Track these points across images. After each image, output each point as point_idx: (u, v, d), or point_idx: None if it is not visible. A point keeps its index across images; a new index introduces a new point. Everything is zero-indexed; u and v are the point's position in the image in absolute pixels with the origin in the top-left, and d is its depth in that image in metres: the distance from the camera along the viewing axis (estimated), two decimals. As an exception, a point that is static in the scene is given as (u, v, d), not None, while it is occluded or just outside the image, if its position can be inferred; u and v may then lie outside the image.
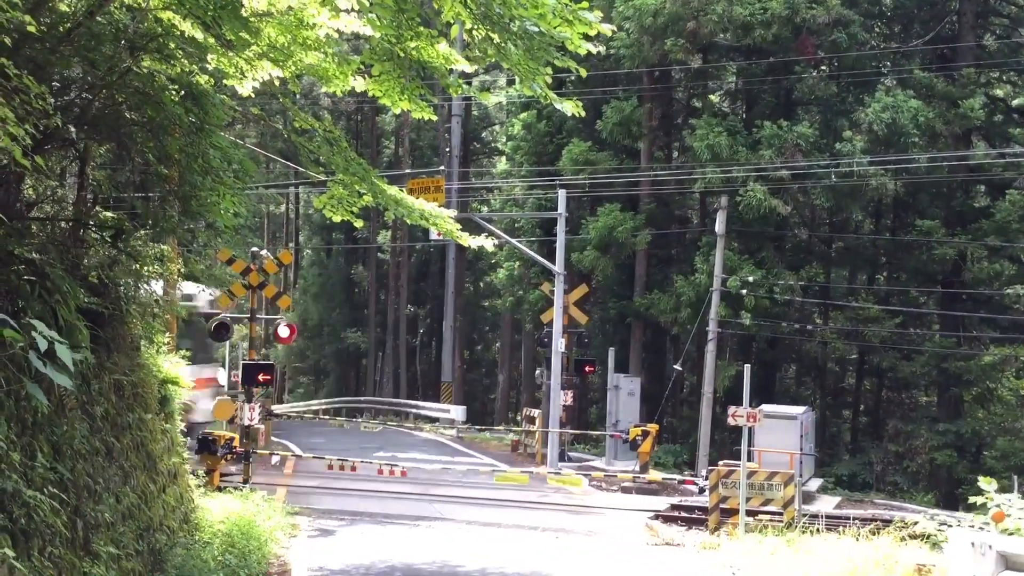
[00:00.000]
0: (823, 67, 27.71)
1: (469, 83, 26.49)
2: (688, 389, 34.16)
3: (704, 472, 19.81)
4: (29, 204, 8.35)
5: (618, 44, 27.28)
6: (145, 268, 9.64)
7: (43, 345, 4.70)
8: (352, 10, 8.51)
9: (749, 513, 14.76)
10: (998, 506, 10.18)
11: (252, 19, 8.66)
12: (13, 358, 5.91)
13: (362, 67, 10.15)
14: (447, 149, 38.04)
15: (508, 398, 42.77)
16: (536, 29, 7.90)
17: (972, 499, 10.94)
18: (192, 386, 13.79)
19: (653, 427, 21.69)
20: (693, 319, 25.87)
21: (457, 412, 32.88)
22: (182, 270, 12.50)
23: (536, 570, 12.10)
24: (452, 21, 8.21)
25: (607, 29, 7.92)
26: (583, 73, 8.70)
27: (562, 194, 24.31)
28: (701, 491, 18.21)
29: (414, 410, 37.00)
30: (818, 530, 13.77)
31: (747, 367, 14.99)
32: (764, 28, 25.39)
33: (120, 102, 8.46)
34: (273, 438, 26.69)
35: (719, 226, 25.00)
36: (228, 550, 10.58)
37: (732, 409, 14.59)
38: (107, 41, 7.98)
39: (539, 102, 10.76)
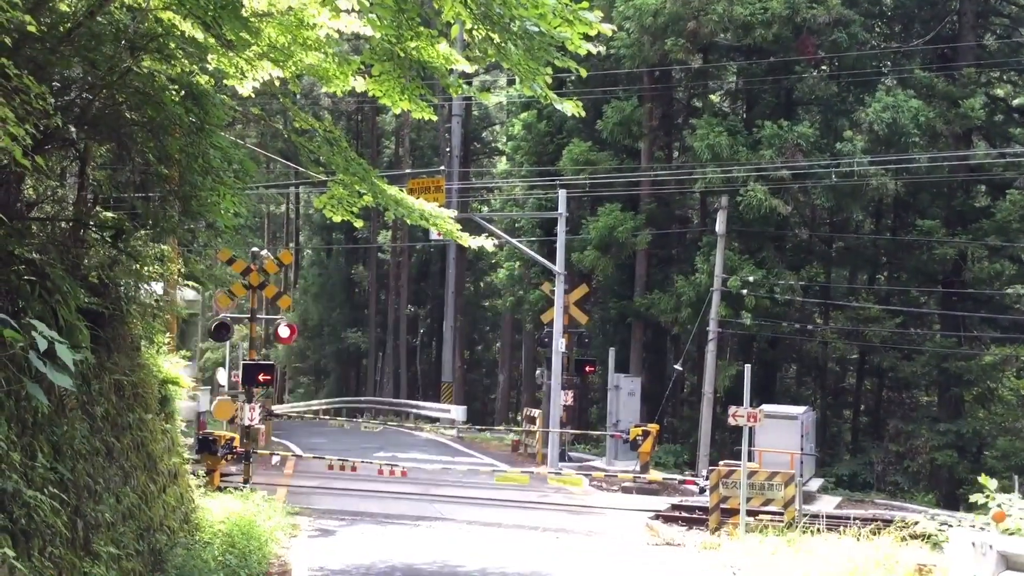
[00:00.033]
0: (823, 67, 27.71)
1: (469, 83, 26.47)
2: (688, 389, 34.15)
3: (705, 472, 19.81)
4: (29, 204, 8.35)
5: (618, 44, 27.27)
6: (145, 268, 9.65)
7: (43, 345, 4.70)
8: (352, 10, 8.50)
9: (750, 513, 14.75)
10: (999, 506, 10.18)
11: (252, 19, 8.66)
12: (13, 358, 5.91)
13: (362, 67, 10.14)
14: (447, 149, 38.03)
15: (508, 398, 42.77)
16: (536, 29, 7.89)
17: (973, 498, 10.94)
18: None
19: (653, 427, 21.69)
20: (693, 319, 25.87)
21: (457, 412, 32.88)
22: (182, 270, 12.51)
23: (536, 570, 12.10)
24: (452, 21, 8.20)
25: (607, 29, 7.91)
26: (583, 73, 8.69)
27: (562, 194, 24.31)
28: (702, 491, 18.21)
29: (414, 410, 37.00)
30: (819, 530, 13.76)
31: (747, 367, 14.99)
32: (764, 28, 25.38)
33: (120, 102, 8.46)
34: (273, 438, 26.70)
35: (719, 226, 24.99)
36: (228, 550, 10.58)
37: (733, 409, 14.59)
38: (107, 41, 7.98)
39: (539, 102, 10.75)
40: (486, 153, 51.90)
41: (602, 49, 9.20)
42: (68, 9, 7.99)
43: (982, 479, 10.59)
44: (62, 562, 6.30)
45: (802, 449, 19.47)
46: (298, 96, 32.47)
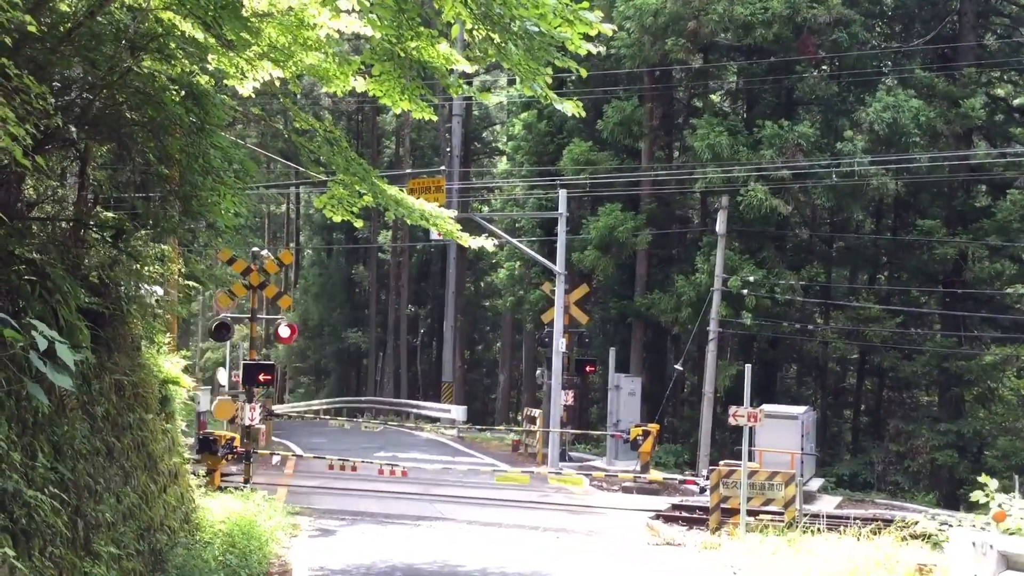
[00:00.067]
0: (824, 67, 27.71)
1: (470, 83, 26.46)
2: (689, 389, 34.15)
3: (705, 472, 19.82)
4: (30, 204, 8.36)
5: (619, 44, 27.27)
6: (146, 268, 9.65)
7: (44, 345, 4.70)
8: (353, 10, 8.51)
9: (750, 513, 14.75)
10: (999, 506, 10.19)
11: (253, 19, 8.67)
12: (14, 358, 5.91)
13: (363, 67, 10.14)
14: (448, 149, 38.02)
15: (509, 398, 42.77)
16: (536, 29, 7.89)
17: (974, 497, 10.95)
18: None
19: (654, 427, 21.69)
20: (694, 319, 25.86)
21: (458, 412, 32.89)
22: (183, 270, 12.51)
23: (537, 570, 12.10)
24: (452, 21, 8.20)
25: (608, 29, 7.91)
26: (584, 73, 8.69)
27: (563, 194, 24.30)
28: (702, 491, 18.22)
29: (415, 410, 37.01)
30: (819, 530, 13.76)
31: (748, 367, 14.98)
32: (765, 28, 25.38)
33: (121, 102, 8.46)
34: (274, 438, 26.71)
35: (720, 226, 24.99)
36: (229, 550, 10.58)
37: (733, 409, 14.59)
38: (108, 41, 7.98)
39: (540, 102, 10.75)
40: (486, 153, 51.91)
41: (602, 49, 9.21)
42: (68, 9, 7.99)
43: (983, 478, 10.59)
44: (62, 562, 6.30)
45: (802, 449, 19.47)
46: (298, 96, 32.48)
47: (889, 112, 24.44)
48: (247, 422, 17.05)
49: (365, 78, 10.10)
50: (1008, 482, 16.13)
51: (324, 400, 45.62)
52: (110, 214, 9.10)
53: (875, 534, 13.03)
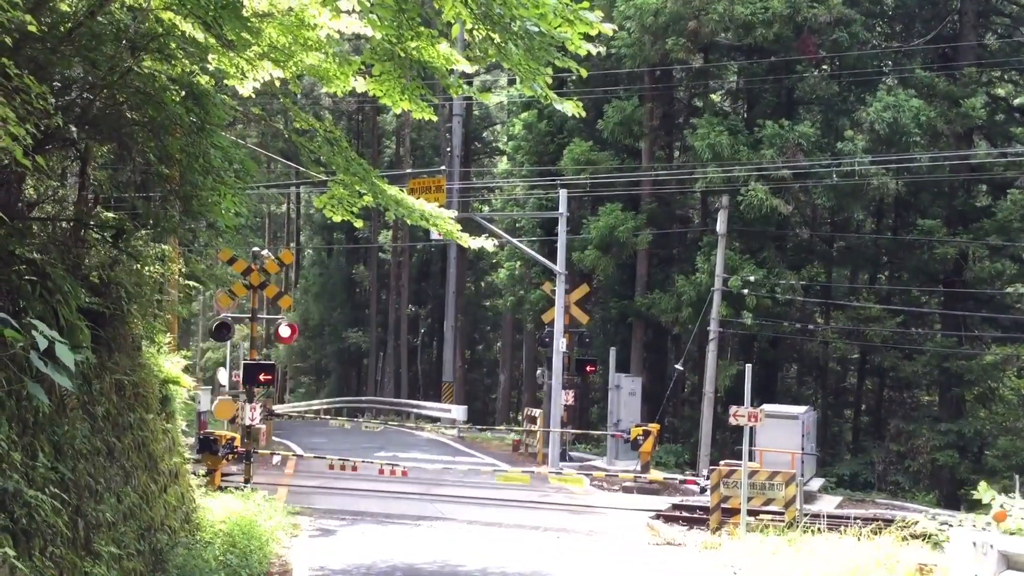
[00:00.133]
0: (824, 66, 27.71)
1: (470, 83, 26.48)
2: (689, 389, 34.15)
3: (705, 472, 19.82)
4: (30, 204, 8.36)
5: (619, 43, 27.27)
6: (146, 268, 9.65)
7: (44, 345, 4.70)
8: (353, 11, 8.51)
9: (750, 513, 14.75)
10: (1000, 506, 10.19)
11: (253, 19, 8.67)
12: (14, 358, 5.92)
13: (363, 67, 10.15)
14: (448, 149, 38.03)
15: (509, 398, 42.77)
16: (537, 29, 7.89)
17: (976, 496, 10.94)
18: None
19: (654, 427, 21.69)
20: (694, 319, 25.87)
21: (458, 412, 32.89)
22: (183, 270, 12.51)
23: (537, 570, 12.10)
24: (453, 21, 8.20)
25: (608, 29, 7.90)
26: (584, 73, 8.69)
27: (563, 194, 24.30)
28: (702, 491, 18.22)
29: (415, 410, 37.01)
30: (820, 530, 13.75)
31: (748, 367, 14.98)
32: (765, 27, 25.38)
33: (121, 102, 8.46)
34: (274, 438, 26.72)
35: (720, 226, 24.99)
36: (229, 550, 10.59)
37: (733, 409, 14.58)
38: (108, 41, 7.98)
39: (540, 102, 10.74)
40: (487, 153, 51.91)
41: (603, 49, 9.21)
42: (69, 9, 8.00)
43: (981, 488, 10.60)
44: (63, 562, 6.30)
45: (803, 449, 19.46)
46: (299, 96, 32.48)
47: (890, 112, 24.44)
48: (247, 422, 17.05)
49: (365, 78, 10.10)
50: (1009, 482, 16.15)
51: (324, 400, 45.62)
52: (110, 214, 9.11)
53: (876, 534, 13.03)
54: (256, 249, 20.22)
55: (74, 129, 8.04)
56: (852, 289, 31.21)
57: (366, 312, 50.43)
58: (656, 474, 19.91)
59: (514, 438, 27.73)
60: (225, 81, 10.05)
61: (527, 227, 32.61)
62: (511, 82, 38.05)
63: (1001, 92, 30.69)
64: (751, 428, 14.94)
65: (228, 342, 26.52)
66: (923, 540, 12.88)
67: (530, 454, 25.36)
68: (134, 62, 7.95)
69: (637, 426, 21.76)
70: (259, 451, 18.25)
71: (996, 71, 29.75)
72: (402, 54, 9.28)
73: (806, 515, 14.80)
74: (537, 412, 26.71)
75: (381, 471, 17.50)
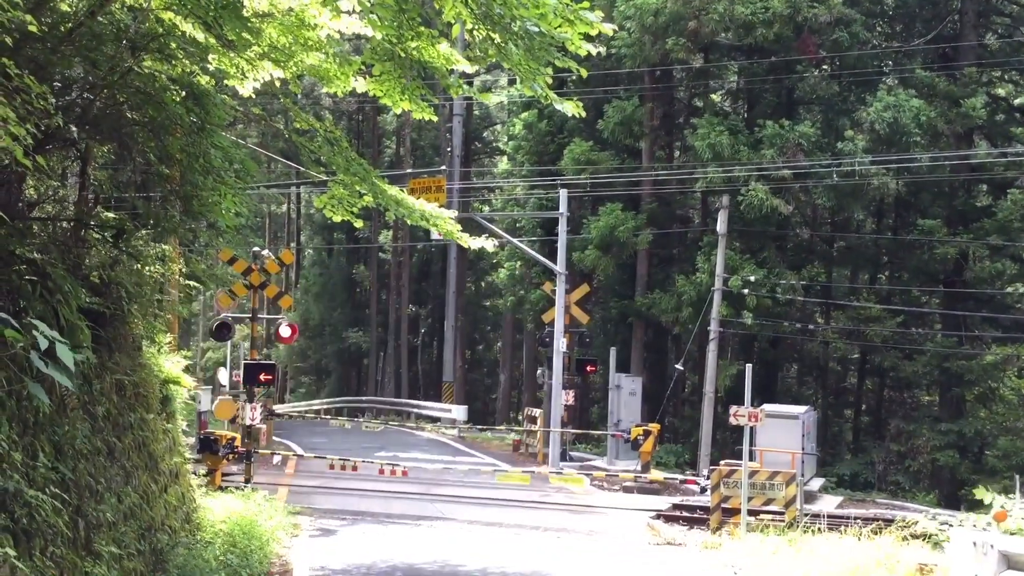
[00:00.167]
0: (825, 66, 27.71)
1: (470, 83, 26.47)
2: (690, 389, 34.16)
3: (706, 472, 19.81)
4: (31, 204, 8.36)
5: (619, 43, 27.27)
6: (147, 268, 9.65)
7: (44, 345, 4.70)
8: (353, 11, 8.51)
9: (751, 513, 14.75)
10: (1001, 506, 10.19)
11: (253, 20, 8.67)
12: (15, 358, 5.92)
13: (363, 67, 10.15)
14: (448, 149, 38.03)
15: (509, 398, 42.77)
16: (537, 29, 7.89)
17: (978, 495, 10.95)
18: None
19: (655, 427, 21.69)
20: (695, 319, 25.87)
21: (459, 412, 32.89)
22: (184, 270, 12.52)
23: (537, 570, 12.10)
24: (453, 21, 8.20)
25: (608, 29, 7.90)
26: (584, 73, 8.69)
27: (563, 194, 24.30)
28: (703, 491, 18.21)
29: (415, 410, 37.01)
30: (820, 530, 13.75)
31: (749, 367, 14.98)
32: (766, 27, 25.38)
33: (121, 102, 8.47)
34: (275, 438, 26.72)
35: (720, 225, 24.99)
36: (230, 550, 10.59)
37: (734, 409, 14.58)
38: (108, 41, 7.99)
39: (540, 102, 10.74)
40: (487, 153, 51.92)
41: (603, 49, 9.22)
42: (69, 9, 8.00)
43: (979, 492, 10.61)
44: (63, 562, 6.30)
45: (803, 449, 19.46)
46: (299, 96, 32.47)
47: (890, 112, 24.44)
48: (248, 422, 17.05)
49: (366, 78, 10.10)
50: (1009, 482, 16.14)
51: (325, 400, 45.62)
52: (111, 214, 9.11)
53: (876, 534, 13.03)
54: (256, 249, 20.23)
55: (74, 129, 8.04)
56: (852, 289, 31.21)
57: (366, 312, 50.44)
58: (656, 474, 19.92)
59: (514, 438, 27.73)
60: (225, 81, 10.05)
61: (527, 227, 32.61)
62: (511, 82, 38.05)
63: (1001, 92, 30.69)
64: (751, 428, 14.94)
65: (228, 342, 26.53)
66: (923, 540, 12.89)
67: (530, 454, 25.36)
68: (134, 62, 7.95)
69: (637, 426, 21.76)
70: (259, 451, 18.26)
71: (996, 71, 29.75)
72: (402, 54, 9.28)
73: (806, 515, 14.80)
74: (537, 412, 26.72)
75: (381, 471, 17.50)
